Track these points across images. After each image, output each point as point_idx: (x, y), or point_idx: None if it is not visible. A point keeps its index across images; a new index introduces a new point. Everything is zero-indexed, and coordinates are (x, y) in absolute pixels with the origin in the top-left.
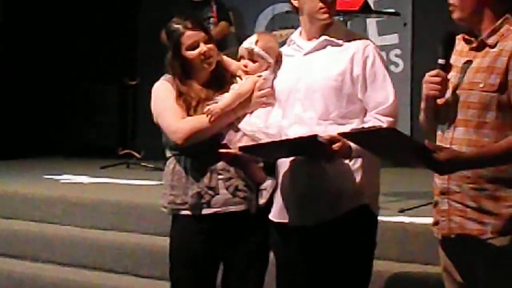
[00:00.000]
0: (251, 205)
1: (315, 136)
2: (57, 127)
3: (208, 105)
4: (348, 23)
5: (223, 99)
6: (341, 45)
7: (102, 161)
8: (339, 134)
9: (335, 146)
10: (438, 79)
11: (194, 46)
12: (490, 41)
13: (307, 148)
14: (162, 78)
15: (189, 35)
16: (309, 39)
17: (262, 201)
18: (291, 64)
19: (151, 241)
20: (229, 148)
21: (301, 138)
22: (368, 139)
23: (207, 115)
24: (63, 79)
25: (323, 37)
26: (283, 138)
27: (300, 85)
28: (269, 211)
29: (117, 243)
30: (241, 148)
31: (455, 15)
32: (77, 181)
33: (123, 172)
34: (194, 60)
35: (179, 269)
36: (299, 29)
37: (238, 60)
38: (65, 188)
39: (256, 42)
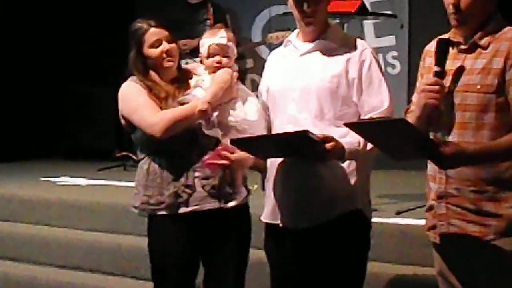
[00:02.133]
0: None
1: (306, 131)
2: (54, 129)
3: (179, 102)
4: (345, 25)
5: (207, 93)
6: (337, 48)
7: (99, 163)
8: (346, 124)
9: (328, 145)
10: (436, 87)
11: (156, 44)
12: (483, 42)
13: (298, 146)
14: (129, 79)
15: (153, 33)
16: (306, 41)
17: (231, 204)
18: (287, 65)
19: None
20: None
21: (292, 133)
22: (374, 131)
23: (198, 113)
24: (60, 81)
25: (320, 40)
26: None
27: (295, 85)
28: (246, 209)
29: (114, 245)
30: (232, 141)
31: (460, 22)
32: (74, 183)
33: (120, 174)
34: (156, 59)
35: (161, 270)
36: (297, 30)
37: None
38: (62, 190)
39: (228, 38)
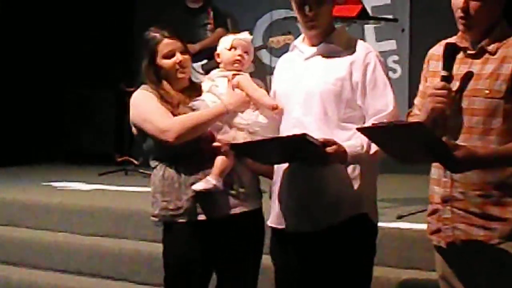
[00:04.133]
0: (247, 204)
1: (304, 135)
2: (55, 134)
3: (190, 108)
4: (346, 29)
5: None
6: (342, 51)
7: (100, 168)
8: (358, 129)
9: (329, 149)
10: (444, 92)
11: (170, 55)
12: (490, 48)
13: (299, 150)
14: (140, 88)
15: (166, 44)
16: (311, 45)
17: (247, 206)
18: (293, 69)
19: (149, 247)
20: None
21: (290, 136)
22: (387, 135)
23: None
24: (60, 85)
25: (324, 43)
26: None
27: (299, 89)
28: (260, 214)
29: (115, 250)
30: (232, 146)
31: (468, 27)
32: (75, 188)
33: (121, 179)
34: (169, 69)
35: (175, 278)
36: (303, 35)
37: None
38: (63, 195)
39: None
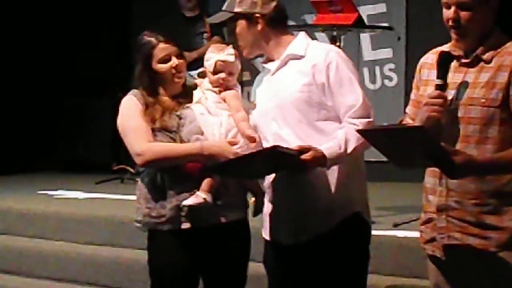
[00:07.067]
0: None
1: (275, 147)
2: (51, 143)
3: (178, 116)
4: (342, 37)
5: (241, 124)
6: (303, 57)
7: (97, 176)
8: (358, 130)
9: (305, 156)
10: (440, 100)
11: (166, 59)
12: (485, 56)
13: (277, 162)
14: (130, 93)
15: (162, 48)
16: (274, 60)
17: (233, 216)
18: (263, 87)
19: (145, 256)
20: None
21: (261, 151)
22: (387, 138)
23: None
24: (56, 94)
25: (285, 53)
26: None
27: (272, 104)
28: (246, 223)
29: (111, 259)
30: (205, 169)
31: (460, 36)
32: (71, 196)
33: (118, 187)
34: (165, 74)
35: (161, 285)
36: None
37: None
38: (59, 204)
39: (235, 55)
